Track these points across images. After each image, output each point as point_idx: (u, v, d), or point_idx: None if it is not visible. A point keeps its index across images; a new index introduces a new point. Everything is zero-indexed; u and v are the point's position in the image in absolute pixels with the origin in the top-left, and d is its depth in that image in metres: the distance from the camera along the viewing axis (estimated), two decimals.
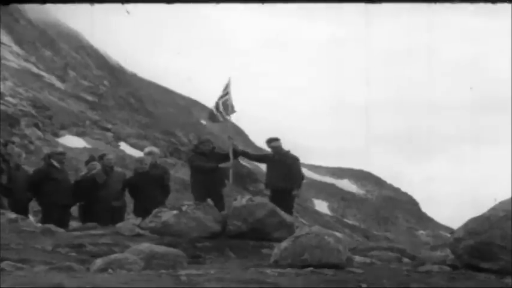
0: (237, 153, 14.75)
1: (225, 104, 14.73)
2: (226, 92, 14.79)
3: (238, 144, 14.78)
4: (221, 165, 14.10)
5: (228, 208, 12.02)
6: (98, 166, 14.63)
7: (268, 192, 15.15)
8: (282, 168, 14.34)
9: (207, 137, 14.81)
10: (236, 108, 14.83)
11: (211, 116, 15.19)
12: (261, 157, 15.05)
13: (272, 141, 14.64)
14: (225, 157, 14.43)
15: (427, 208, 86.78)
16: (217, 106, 14.80)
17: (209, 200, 13.53)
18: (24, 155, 14.97)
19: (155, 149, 15.91)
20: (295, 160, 14.68)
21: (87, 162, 15.26)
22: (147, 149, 15.94)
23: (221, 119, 14.84)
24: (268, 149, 14.86)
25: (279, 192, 14.17)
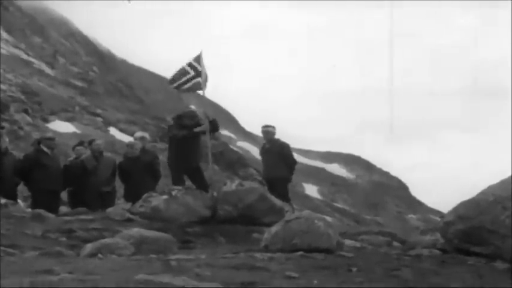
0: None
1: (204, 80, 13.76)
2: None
3: (231, 132, 14.54)
4: (196, 129, 13.38)
5: (217, 193, 11.94)
6: (84, 151, 14.59)
7: (261, 180, 15.10)
8: (274, 157, 14.39)
9: (191, 109, 13.70)
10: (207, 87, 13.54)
11: (196, 85, 13.48)
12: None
13: (268, 127, 14.64)
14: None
15: (416, 193, 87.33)
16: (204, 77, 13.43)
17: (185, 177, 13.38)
18: (7, 140, 14.85)
19: (145, 134, 15.87)
20: (285, 147, 14.69)
21: (74, 148, 15.23)
22: (137, 134, 15.89)
23: (201, 92, 13.75)
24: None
25: (274, 180, 14.22)
